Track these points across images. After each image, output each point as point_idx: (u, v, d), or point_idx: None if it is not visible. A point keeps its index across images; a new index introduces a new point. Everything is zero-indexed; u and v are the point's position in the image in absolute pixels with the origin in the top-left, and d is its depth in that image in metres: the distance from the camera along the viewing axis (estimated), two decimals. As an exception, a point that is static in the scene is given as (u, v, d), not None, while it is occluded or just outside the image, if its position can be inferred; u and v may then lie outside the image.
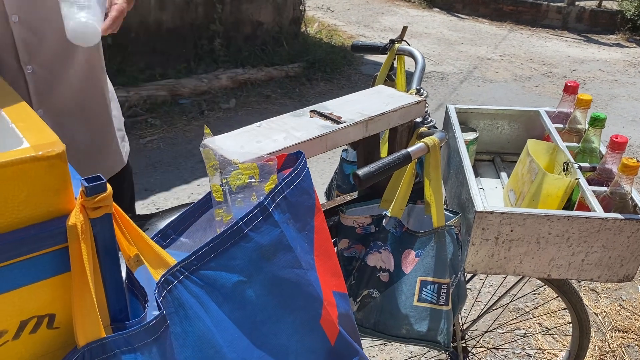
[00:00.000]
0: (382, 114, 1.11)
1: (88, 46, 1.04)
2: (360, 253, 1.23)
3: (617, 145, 1.29)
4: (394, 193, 1.18)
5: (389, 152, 1.23)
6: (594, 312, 2.46)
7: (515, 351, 2.23)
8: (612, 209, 1.24)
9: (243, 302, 0.73)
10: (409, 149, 1.07)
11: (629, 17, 6.90)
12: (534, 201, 1.31)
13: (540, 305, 2.48)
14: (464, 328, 1.74)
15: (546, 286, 1.90)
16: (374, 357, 2.16)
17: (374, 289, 1.18)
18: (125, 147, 1.46)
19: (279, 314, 0.76)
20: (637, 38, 6.89)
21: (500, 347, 2.26)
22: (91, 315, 0.62)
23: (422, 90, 1.26)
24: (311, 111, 1.11)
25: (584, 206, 1.27)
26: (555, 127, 1.55)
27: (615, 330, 2.36)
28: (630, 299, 2.55)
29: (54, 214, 0.60)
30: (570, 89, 1.58)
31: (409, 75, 1.40)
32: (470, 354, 1.76)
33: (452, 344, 1.48)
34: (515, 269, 1.29)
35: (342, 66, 5.31)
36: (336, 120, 1.07)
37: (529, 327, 2.37)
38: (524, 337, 2.31)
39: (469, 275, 1.83)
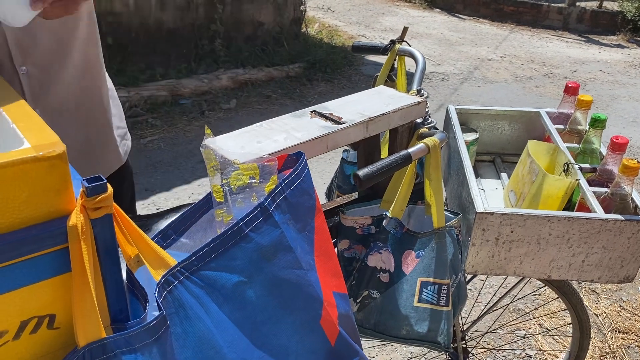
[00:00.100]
0: (383, 114, 1.11)
1: (16, 25, 0.94)
2: (360, 254, 1.23)
3: (618, 146, 1.29)
4: (395, 194, 1.18)
5: (390, 153, 1.23)
6: (594, 313, 2.46)
7: (516, 352, 2.23)
8: (613, 210, 1.24)
9: (243, 302, 0.73)
10: (410, 150, 1.07)
11: (629, 17, 6.90)
12: (535, 202, 1.31)
13: (540, 306, 2.48)
14: (464, 329, 1.74)
15: (546, 287, 1.90)
16: (374, 357, 2.16)
17: (374, 289, 1.18)
18: (125, 145, 1.46)
19: (279, 314, 0.76)
20: (638, 39, 6.89)
21: (500, 347, 2.26)
22: (91, 315, 0.62)
23: (422, 91, 1.26)
24: (312, 112, 1.11)
25: (584, 207, 1.27)
26: (556, 128, 1.56)
27: (615, 331, 2.36)
28: (631, 300, 2.55)
29: (54, 214, 0.60)
30: (570, 90, 1.58)
31: (410, 76, 1.40)
32: (470, 354, 1.76)
33: (452, 345, 1.48)
34: (515, 270, 1.29)
35: (342, 67, 5.31)
36: (337, 121, 1.06)
37: (529, 328, 2.36)
38: (524, 337, 2.31)
39: (469, 276, 1.82)
